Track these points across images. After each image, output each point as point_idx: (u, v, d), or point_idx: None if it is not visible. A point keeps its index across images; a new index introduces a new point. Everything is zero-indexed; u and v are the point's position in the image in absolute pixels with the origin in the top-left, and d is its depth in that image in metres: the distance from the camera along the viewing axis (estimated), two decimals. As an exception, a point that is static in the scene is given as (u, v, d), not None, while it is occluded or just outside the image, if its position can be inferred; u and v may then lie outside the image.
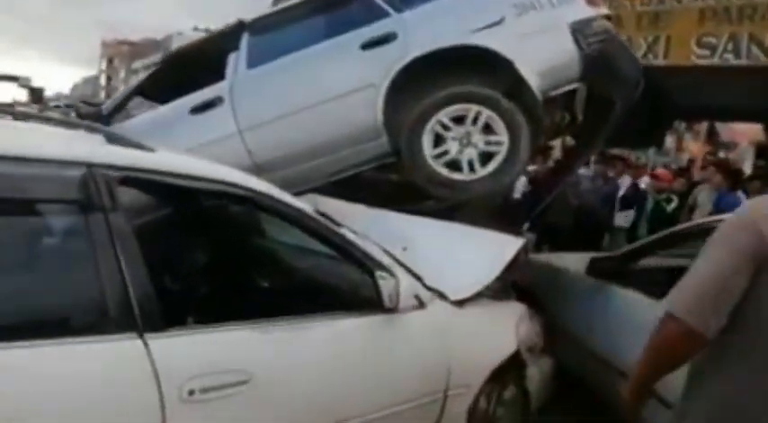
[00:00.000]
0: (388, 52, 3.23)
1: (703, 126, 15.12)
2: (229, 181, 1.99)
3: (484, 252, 2.83)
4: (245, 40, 3.60)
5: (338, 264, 2.33)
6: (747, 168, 13.46)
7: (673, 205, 6.38)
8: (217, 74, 3.57)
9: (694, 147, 15.55)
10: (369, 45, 3.28)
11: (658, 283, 3.15)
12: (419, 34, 3.22)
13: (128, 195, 1.78)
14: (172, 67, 3.87)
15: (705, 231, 3.04)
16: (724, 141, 17.11)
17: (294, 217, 2.14)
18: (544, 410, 3.00)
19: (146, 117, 3.83)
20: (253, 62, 3.52)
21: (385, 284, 2.18)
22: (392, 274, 2.23)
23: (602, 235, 6.67)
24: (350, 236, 2.28)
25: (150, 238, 2.09)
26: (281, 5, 3.93)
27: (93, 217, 1.64)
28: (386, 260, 2.37)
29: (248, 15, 3.79)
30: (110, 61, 65.40)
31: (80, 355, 1.54)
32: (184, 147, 3.39)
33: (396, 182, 3.78)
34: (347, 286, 2.41)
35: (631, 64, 3.44)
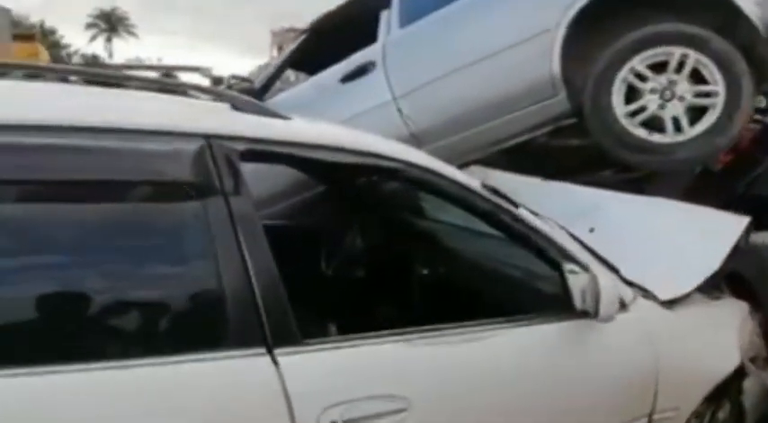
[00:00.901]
0: None
1: None
2: (378, 152, 1.61)
3: (699, 235, 2.21)
4: None
5: (514, 254, 1.87)
6: None
7: None
8: (368, 37, 3.23)
9: None
10: None
11: None
12: None
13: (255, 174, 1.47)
14: (320, 34, 3.58)
15: None
16: None
17: (458, 195, 1.72)
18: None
19: (296, 90, 3.63)
20: (406, 19, 3.13)
21: (576, 281, 1.70)
22: (585, 268, 1.73)
23: None
24: (529, 218, 1.80)
25: (282, 227, 1.80)
26: None
27: (211, 202, 1.32)
28: (577, 250, 1.87)
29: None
30: (279, 49, 68.84)
31: (189, 377, 1.24)
32: (337, 120, 3.14)
33: (574, 148, 3.20)
34: (527, 284, 1.99)
35: None
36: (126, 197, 1.36)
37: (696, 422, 2.10)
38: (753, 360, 2.23)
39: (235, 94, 1.61)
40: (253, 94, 3.57)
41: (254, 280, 1.31)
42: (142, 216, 1.35)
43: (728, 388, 2.14)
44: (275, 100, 3.55)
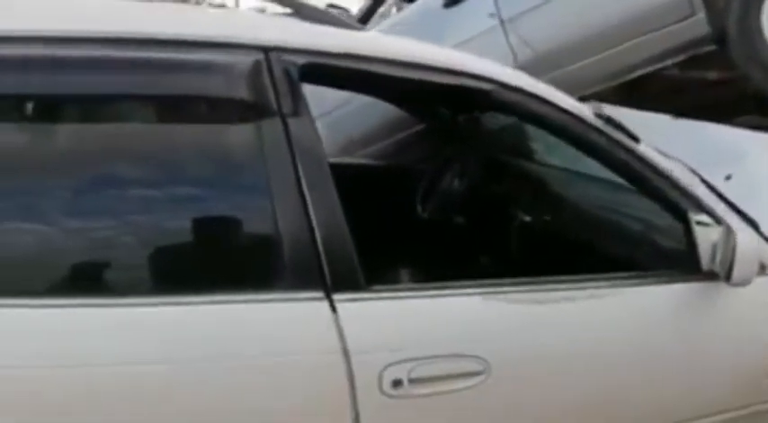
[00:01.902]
0: None
1: None
2: (465, 70, 1.36)
3: None
4: None
5: (632, 202, 1.59)
6: None
7: None
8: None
9: None
10: None
11: None
12: None
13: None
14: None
15: None
16: None
17: (564, 125, 1.44)
18: None
19: (397, 19, 3.39)
20: None
21: (706, 234, 1.40)
22: (718, 220, 1.42)
23: None
24: (652, 156, 1.50)
25: (379, 167, 1.61)
26: None
27: (267, 124, 1.15)
28: (709, 198, 1.55)
29: None
30: None
31: (235, 320, 1.10)
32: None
33: (713, 83, 2.76)
34: (644, 236, 1.70)
35: None
36: (167, 118, 1.21)
37: None
38: None
39: (303, 2, 1.41)
40: (352, 26, 3.39)
41: (312, 215, 1.14)
42: (187, 140, 1.20)
43: None
44: (379, 29, 3.38)
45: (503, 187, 2.43)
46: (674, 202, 1.46)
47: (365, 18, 3.48)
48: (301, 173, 1.15)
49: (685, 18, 2.40)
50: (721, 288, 1.40)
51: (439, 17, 2.96)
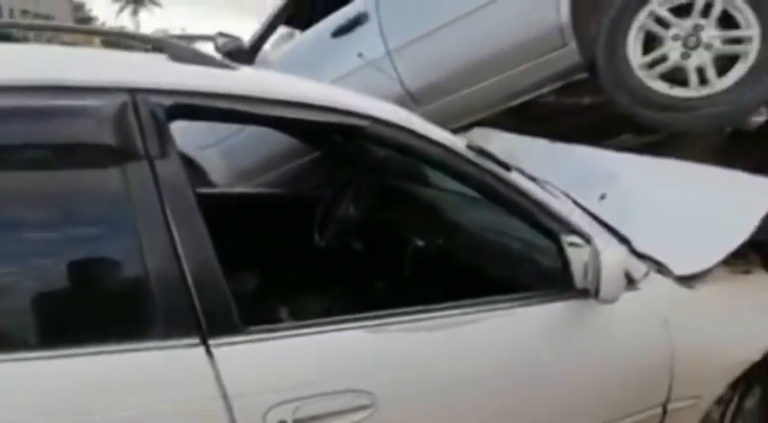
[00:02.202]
0: None
1: None
2: (337, 106, 1.37)
3: (726, 202, 1.94)
4: None
5: (518, 224, 1.64)
6: None
7: None
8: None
9: None
10: None
11: None
12: None
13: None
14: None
15: None
16: None
17: (438, 158, 1.47)
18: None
19: (287, 48, 3.38)
20: None
21: (576, 255, 1.47)
22: (587, 240, 1.49)
23: None
24: (523, 183, 1.56)
25: (221, 194, 1.57)
26: None
27: (134, 167, 1.12)
28: (580, 219, 1.63)
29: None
30: None
31: (108, 373, 1.05)
32: (329, 79, 2.90)
33: (586, 107, 2.91)
34: (527, 258, 1.76)
35: None
36: (32, 163, 1.13)
37: (720, 410, 1.90)
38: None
39: (174, 41, 1.38)
40: (243, 53, 3.36)
41: (183, 258, 1.11)
42: (53, 186, 1.13)
43: (758, 372, 1.90)
44: (270, 58, 3.35)
45: (397, 212, 2.47)
46: (546, 225, 1.52)
47: (256, 47, 3.44)
48: (170, 216, 1.11)
49: (558, 48, 2.50)
50: (594, 304, 1.47)
51: (328, 46, 2.97)
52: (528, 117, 2.92)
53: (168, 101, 1.18)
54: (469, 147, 1.48)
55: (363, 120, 1.36)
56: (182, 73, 1.28)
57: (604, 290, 1.39)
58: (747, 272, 2.02)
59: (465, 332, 1.36)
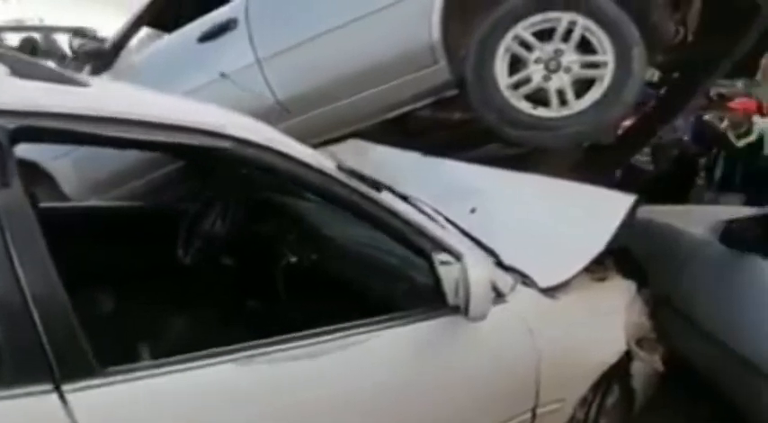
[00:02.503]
0: None
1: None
2: (197, 126, 1.28)
3: (583, 214, 2.07)
4: None
5: (381, 238, 1.62)
6: None
7: (749, 139, 5.31)
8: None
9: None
10: None
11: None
12: None
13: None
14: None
15: None
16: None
17: (307, 179, 1.42)
18: (648, 408, 2.36)
19: (152, 50, 3.17)
20: None
21: (447, 273, 1.48)
22: (458, 257, 1.51)
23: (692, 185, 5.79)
24: (394, 204, 1.55)
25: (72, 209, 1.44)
26: None
27: None
28: (451, 236, 1.65)
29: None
30: None
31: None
32: (195, 86, 2.75)
33: (459, 122, 2.99)
34: (402, 275, 1.74)
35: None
36: None
37: (583, 409, 2.01)
38: (640, 342, 2.14)
39: (18, 55, 1.23)
40: (102, 56, 3.12)
41: (29, 296, 0.99)
42: None
43: (616, 373, 2.05)
44: (132, 61, 3.12)
45: (269, 226, 2.38)
46: (418, 244, 1.52)
47: (117, 49, 3.20)
48: (13, 251, 0.99)
49: (429, 66, 2.53)
50: (465, 320, 1.48)
51: (195, 52, 2.84)
52: (403, 129, 2.94)
53: (11, 123, 1.04)
54: (339, 167, 1.44)
55: (225, 141, 1.28)
56: (26, 91, 1.14)
57: (473, 307, 1.41)
58: (604, 278, 2.16)
59: (335, 358, 1.32)
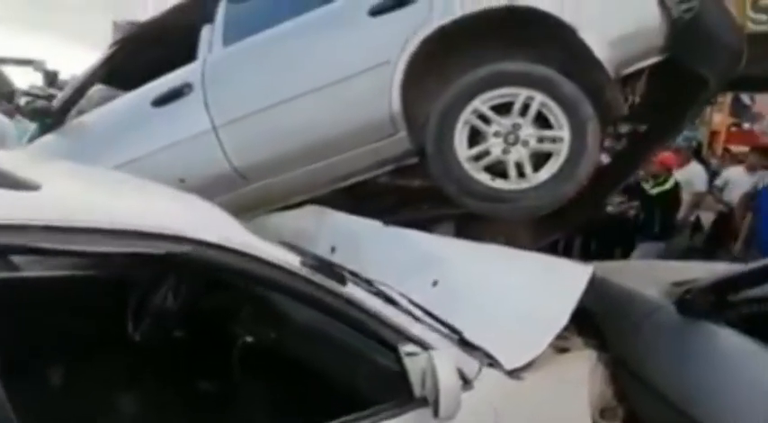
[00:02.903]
0: (407, 18, 2.42)
1: (727, 96, 14.18)
2: (153, 231, 1.22)
3: (545, 287, 2.07)
4: (222, 8, 2.84)
5: (343, 339, 1.57)
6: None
7: (664, 187, 5.55)
8: (188, 54, 2.82)
9: (717, 118, 14.67)
10: (380, 10, 2.46)
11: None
12: None
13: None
14: (133, 46, 3.09)
15: None
16: (753, 113, 16.14)
17: (272, 279, 1.37)
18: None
19: (103, 111, 3.09)
20: (231, 37, 2.75)
21: (414, 364, 1.44)
22: (424, 347, 1.47)
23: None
24: (359, 297, 1.51)
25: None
26: None
27: None
28: (414, 326, 1.61)
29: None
30: None
31: None
32: (148, 151, 2.70)
33: (417, 189, 2.99)
34: (355, 363, 1.69)
35: (731, 32, 2.60)
36: None
37: None
38: (603, 412, 2.14)
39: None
40: (52, 114, 3.03)
41: None
42: None
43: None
44: (82, 121, 3.04)
45: (224, 301, 2.29)
46: (383, 336, 1.49)
47: (67, 107, 3.10)
48: None
49: (389, 136, 2.55)
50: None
51: (148, 115, 2.79)
52: (362, 194, 2.92)
53: None
54: (303, 263, 1.40)
55: (184, 245, 1.23)
56: None
57: (443, 410, 1.37)
58: (566, 349, 2.16)
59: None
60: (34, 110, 3.05)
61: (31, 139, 3.26)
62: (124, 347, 2.16)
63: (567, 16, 2.30)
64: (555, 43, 2.38)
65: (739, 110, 15.78)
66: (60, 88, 3.28)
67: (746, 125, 17.25)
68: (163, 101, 2.75)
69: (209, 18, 2.85)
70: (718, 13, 2.54)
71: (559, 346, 2.12)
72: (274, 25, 2.67)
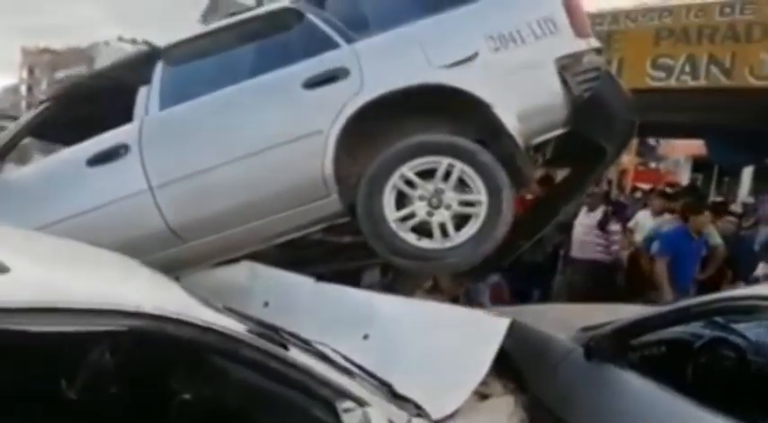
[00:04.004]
0: (338, 92, 2.62)
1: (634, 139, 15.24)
2: (102, 307, 1.30)
3: (465, 340, 2.25)
4: (158, 71, 2.91)
5: (281, 395, 1.67)
6: (684, 180, 14.28)
7: None
8: (124, 114, 2.87)
9: (626, 158, 15.79)
10: (314, 83, 2.65)
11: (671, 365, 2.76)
12: (375, 70, 2.64)
13: None
14: (67, 105, 3.10)
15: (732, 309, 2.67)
16: (658, 154, 17.36)
17: (219, 347, 1.47)
18: None
19: (38, 166, 3.09)
20: (167, 100, 2.84)
21: (350, 419, 1.55)
22: (359, 402, 1.61)
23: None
24: (301, 360, 1.63)
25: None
26: (207, 28, 3.28)
27: None
28: (349, 385, 1.74)
29: (176, 29, 3.11)
30: (30, 71, 60.80)
31: None
32: (82, 210, 2.73)
33: (348, 245, 3.14)
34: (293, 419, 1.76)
35: (625, 105, 2.96)
36: None
37: None
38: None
39: None
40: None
41: None
42: None
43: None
44: (18, 175, 3.02)
45: (161, 358, 2.33)
46: (322, 394, 1.60)
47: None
48: None
49: (321, 198, 2.71)
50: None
51: (82, 175, 2.81)
52: (294, 247, 3.03)
53: None
54: (250, 331, 1.51)
55: (139, 320, 1.31)
56: None
57: None
58: (487, 396, 2.33)
59: None
60: None
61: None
62: (59, 406, 2.15)
63: (483, 94, 2.56)
64: (473, 117, 2.64)
65: (645, 151, 17.02)
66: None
67: (653, 164, 18.54)
68: (98, 160, 2.78)
69: (145, 79, 2.91)
70: (614, 91, 2.88)
71: (481, 393, 2.30)
72: (212, 91, 2.79)
